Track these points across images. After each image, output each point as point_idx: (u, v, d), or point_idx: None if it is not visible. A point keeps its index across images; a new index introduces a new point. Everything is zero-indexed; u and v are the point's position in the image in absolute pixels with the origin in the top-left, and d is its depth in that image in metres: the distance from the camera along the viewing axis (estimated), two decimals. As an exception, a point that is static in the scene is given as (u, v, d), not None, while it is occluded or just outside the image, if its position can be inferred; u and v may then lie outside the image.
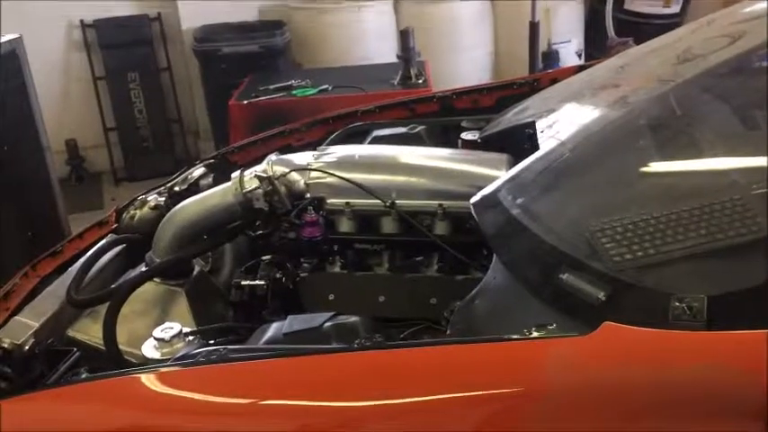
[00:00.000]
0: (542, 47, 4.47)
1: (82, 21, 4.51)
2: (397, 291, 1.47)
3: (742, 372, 0.88)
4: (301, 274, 1.51)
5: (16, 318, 1.57)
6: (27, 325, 1.53)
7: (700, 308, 0.92)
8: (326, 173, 1.56)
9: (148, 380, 1.12)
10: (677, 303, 0.93)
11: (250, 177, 1.58)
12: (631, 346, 0.92)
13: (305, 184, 1.57)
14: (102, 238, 1.80)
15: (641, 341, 0.92)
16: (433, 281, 1.47)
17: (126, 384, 1.14)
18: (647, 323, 0.93)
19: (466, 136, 1.90)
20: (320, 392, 1.01)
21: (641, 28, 4.68)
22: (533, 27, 4.24)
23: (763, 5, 1.54)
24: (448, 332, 1.23)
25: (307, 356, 1.07)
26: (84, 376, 1.17)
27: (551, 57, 4.55)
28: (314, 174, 1.58)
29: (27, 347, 1.45)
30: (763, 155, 1.10)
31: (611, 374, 0.92)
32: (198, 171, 1.98)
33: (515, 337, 0.98)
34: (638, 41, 4.01)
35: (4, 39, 2.95)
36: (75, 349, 1.42)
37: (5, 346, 1.46)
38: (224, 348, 1.15)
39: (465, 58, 4.65)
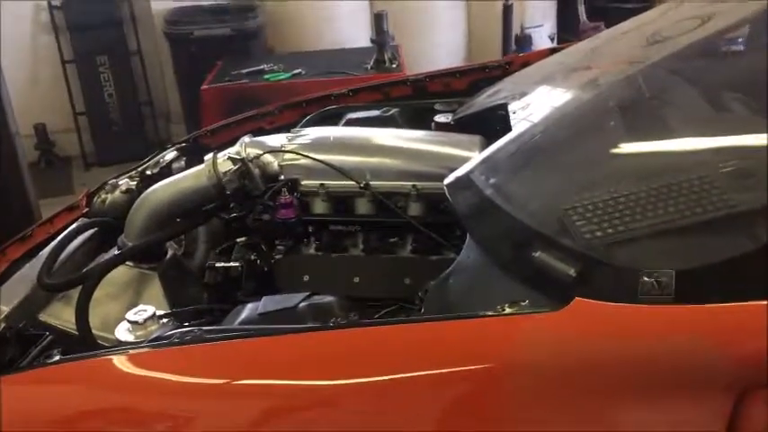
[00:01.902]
0: (515, 31, 4.49)
1: (49, 1, 4.42)
2: (372, 271, 1.47)
3: (711, 345, 0.90)
4: (276, 256, 1.51)
5: (-14, 302, 1.56)
6: (-2, 309, 1.52)
7: (668, 282, 0.94)
8: (300, 154, 1.56)
9: (122, 361, 1.12)
10: (646, 278, 0.95)
11: (223, 160, 1.57)
12: (602, 320, 0.94)
13: (279, 165, 1.57)
14: (73, 222, 1.78)
15: (612, 316, 0.94)
16: (407, 261, 1.48)
17: (100, 366, 1.14)
18: (617, 299, 0.95)
19: (439, 118, 1.91)
20: (295, 371, 1.02)
21: (612, 12, 4.72)
22: (507, 10, 4.26)
23: None
24: (422, 311, 1.24)
25: (282, 336, 1.08)
26: (57, 358, 1.16)
27: (524, 40, 4.57)
28: (288, 155, 1.57)
29: (-1, 333, 1.44)
30: (729, 134, 1.13)
31: (582, 349, 0.93)
32: (170, 155, 1.97)
33: (488, 313, 1.00)
34: (609, 25, 4.07)
35: None
36: (47, 333, 1.41)
37: (-23, 332, 1.45)
38: (198, 329, 1.15)
39: (438, 41, 4.66)
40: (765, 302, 0.89)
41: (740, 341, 0.89)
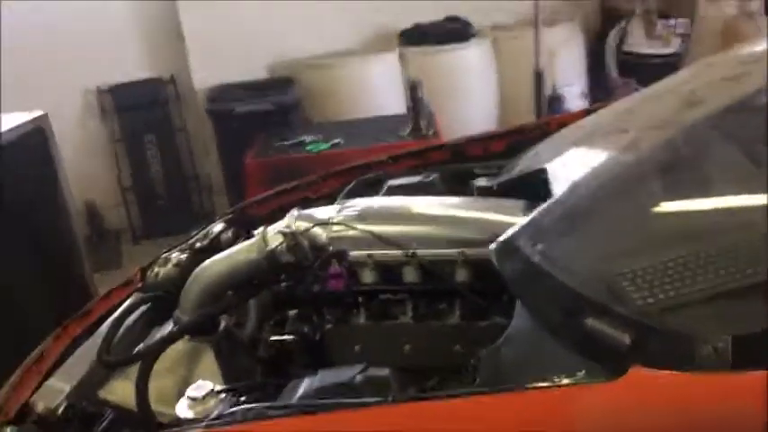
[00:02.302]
0: (547, 90, 4.55)
1: (98, 87, 4.63)
2: (422, 339, 1.49)
3: None
4: (327, 326, 1.54)
5: (48, 381, 1.60)
6: (59, 388, 1.56)
7: (725, 348, 0.93)
8: (348, 226, 1.60)
9: None
10: (703, 345, 0.94)
11: (274, 233, 1.62)
12: (659, 390, 0.94)
13: (327, 237, 1.61)
14: (128, 297, 1.84)
15: (669, 385, 0.93)
16: (455, 328, 1.49)
17: None
18: (673, 366, 0.95)
19: (480, 182, 1.94)
20: None
21: (642, 68, 4.76)
22: (538, 72, 4.32)
23: (760, 48, 1.58)
24: (476, 381, 1.24)
25: (342, 411, 1.09)
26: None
27: (557, 101, 4.62)
28: (335, 227, 1.61)
29: (60, 411, 1.48)
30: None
31: (641, 420, 0.93)
32: (218, 227, 2.03)
33: (544, 385, 1.00)
34: (640, 81, 4.10)
35: (31, 116, 3.11)
36: (109, 411, 1.44)
37: (39, 411, 1.49)
38: (261, 405, 1.17)
39: (471, 105, 4.73)
40: None
41: None
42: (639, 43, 4.96)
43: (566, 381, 0.98)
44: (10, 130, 2.92)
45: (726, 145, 1.36)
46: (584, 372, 1.00)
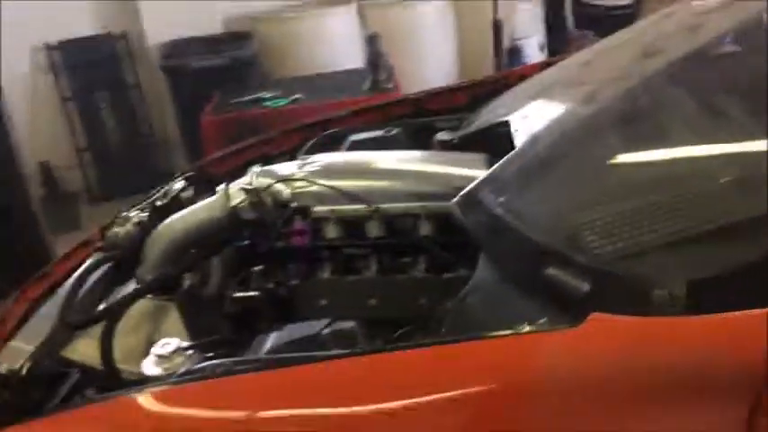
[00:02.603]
0: (505, 43, 4.55)
1: (46, 43, 4.48)
2: (387, 293, 1.50)
3: (725, 353, 0.92)
4: (292, 282, 1.54)
5: (11, 343, 1.59)
6: (22, 350, 1.55)
7: (680, 293, 0.97)
8: (310, 181, 1.60)
9: (155, 398, 1.14)
10: (659, 291, 0.97)
11: (236, 190, 1.61)
12: (618, 334, 0.97)
13: (290, 193, 1.60)
14: (88, 258, 1.81)
15: (627, 329, 0.96)
16: (420, 281, 1.50)
17: (132, 404, 1.16)
18: (631, 311, 0.98)
19: (441, 136, 1.95)
20: (326, 398, 1.04)
21: (599, 20, 4.79)
22: (496, 25, 4.31)
23: None
24: (442, 332, 1.27)
25: (310, 364, 1.10)
26: (89, 397, 1.19)
27: (516, 53, 4.63)
28: (298, 183, 1.61)
29: (24, 372, 1.47)
30: (731, 142, 1.16)
31: (601, 364, 0.96)
32: (178, 185, 2.00)
33: (508, 333, 1.02)
34: (597, 33, 4.13)
35: None
36: (73, 370, 1.44)
37: (3, 372, 1.48)
38: (228, 361, 1.18)
39: (430, 58, 4.71)
40: None
41: (753, 348, 0.91)
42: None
43: (528, 328, 1.01)
44: None
45: (683, 95, 1.39)
46: (545, 319, 1.03)
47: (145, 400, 1.14)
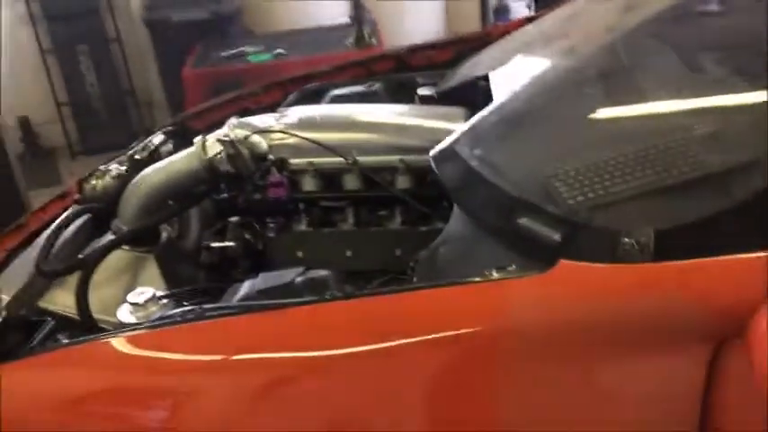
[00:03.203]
0: (493, 2, 4.51)
1: (25, -8, 4.40)
2: (363, 245, 1.51)
3: (689, 298, 0.94)
4: (269, 234, 1.55)
5: (-14, 292, 1.58)
6: (-2, 298, 1.55)
7: (647, 242, 0.98)
8: (288, 133, 1.59)
9: (126, 342, 1.15)
10: (626, 239, 0.99)
11: (212, 142, 1.60)
12: (584, 280, 0.98)
13: (267, 145, 1.60)
14: (66, 210, 1.80)
15: (593, 275, 0.98)
16: (397, 233, 1.52)
17: (103, 348, 1.17)
18: (599, 260, 0.99)
19: (422, 91, 1.94)
20: (294, 344, 1.06)
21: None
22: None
23: None
24: (414, 281, 1.28)
25: (280, 310, 1.11)
26: (62, 342, 1.20)
27: (502, 11, 4.59)
28: (275, 135, 1.60)
29: (1, 319, 1.47)
30: (703, 96, 1.17)
31: (567, 308, 0.98)
32: (157, 138, 1.98)
33: (476, 279, 1.03)
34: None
35: None
36: (49, 318, 1.44)
37: (-22, 320, 1.48)
38: (199, 307, 1.19)
39: (417, 17, 4.66)
40: (738, 256, 0.93)
41: (715, 294, 0.93)
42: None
43: (496, 275, 1.02)
44: None
45: (660, 49, 1.39)
46: (514, 266, 1.04)
47: (116, 342, 1.15)
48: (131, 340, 1.15)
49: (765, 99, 1.10)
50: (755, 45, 1.24)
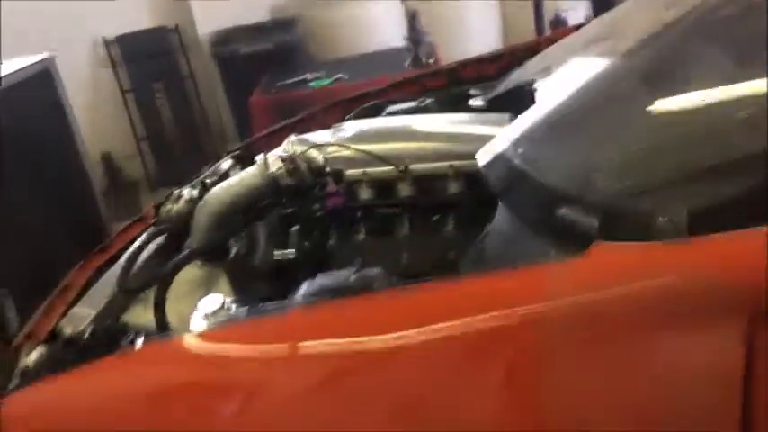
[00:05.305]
0: (550, 16, 4.53)
1: (104, 38, 4.69)
2: (417, 250, 1.57)
3: (724, 269, 0.95)
4: (329, 243, 1.63)
5: (74, 309, 1.72)
6: (84, 315, 1.68)
7: (680, 221, 1.01)
8: (343, 147, 1.68)
9: (192, 338, 1.26)
10: (661, 219, 1.02)
11: (274, 159, 1.70)
12: (620, 259, 1.01)
13: (324, 158, 1.69)
14: (143, 232, 1.94)
15: (629, 254, 1.01)
16: (449, 237, 1.57)
17: (172, 344, 1.29)
18: (635, 240, 1.02)
19: (474, 102, 2.00)
20: (347, 332, 1.13)
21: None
22: (537, 2, 4.30)
23: None
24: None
25: (337, 304, 1.19)
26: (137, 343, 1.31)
27: (559, 25, 4.60)
28: (331, 149, 1.69)
29: (87, 334, 1.60)
30: (730, 85, 1.19)
31: (603, 287, 1.01)
32: (226, 163, 2.12)
33: (516, 268, 1.08)
34: None
35: (37, 59, 3.05)
36: (132, 332, 1.56)
37: (68, 335, 1.62)
38: (259, 307, 1.28)
39: (473, 34, 4.73)
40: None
41: (751, 262, 0.94)
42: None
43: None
44: (14, 73, 2.87)
45: (699, 42, 1.41)
46: (554, 255, 1.08)
47: (182, 340, 1.26)
48: (195, 337, 1.26)
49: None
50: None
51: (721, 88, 1.23)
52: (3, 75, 2.80)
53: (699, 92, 1.27)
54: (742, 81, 1.25)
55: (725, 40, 1.37)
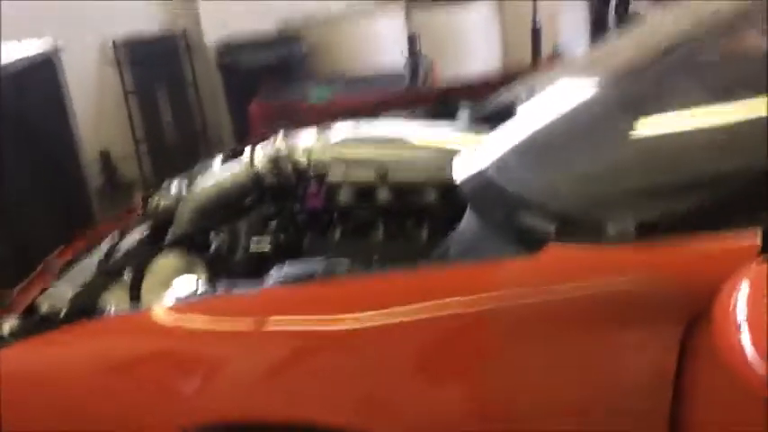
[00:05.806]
0: (549, 47, 4.61)
1: (114, 41, 4.77)
2: (390, 253, 1.62)
3: (663, 279, 1.01)
4: (305, 240, 1.67)
5: (53, 286, 1.77)
6: (62, 292, 1.72)
7: (629, 229, 1.07)
8: (327, 150, 1.73)
9: (161, 311, 1.32)
10: (609, 226, 1.08)
11: (259, 158, 1.76)
12: (569, 260, 1.07)
13: (308, 160, 1.74)
14: (130, 221, 1.99)
15: (577, 255, 1.07)
16: (421, 244, 1.62)
17: (141, 316, 1.36)
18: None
19: (461, 115, 2.06)
20: (306, 313, 1.20)
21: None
22: (535, 34, 4.40)
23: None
24: None
25: (294, 287, 1.25)
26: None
27: (557, 59, 4.68)
28: (316, 151, 1.75)
29: (63, 312, 1.64)
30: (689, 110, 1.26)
31: (552, 286, 1.06)
32: (217, 162, 2.17)
33: (470, 263, 1.14)
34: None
35: (41, 46, 3.03)
36: (108, 310, 1.60)
37: (45, 310, 1.66)
38: (227, 290, 1.33)
39: (473, 64, 4.81)
40: (709, 236, 1.01)
41: (691, 272, 1.00)
42: (644, 3, 4.98)
43: None
44: (18, 60, 2.87)
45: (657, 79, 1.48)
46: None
47: (151, 313, 1.32)
48: (165, 310, 1.32)
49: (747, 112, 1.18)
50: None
51: (669, 114, 1.30)
52: (6, 62, 2.83)
53: (651, 118, 1.34)
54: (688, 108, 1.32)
55: (678, 73, 1.45)
